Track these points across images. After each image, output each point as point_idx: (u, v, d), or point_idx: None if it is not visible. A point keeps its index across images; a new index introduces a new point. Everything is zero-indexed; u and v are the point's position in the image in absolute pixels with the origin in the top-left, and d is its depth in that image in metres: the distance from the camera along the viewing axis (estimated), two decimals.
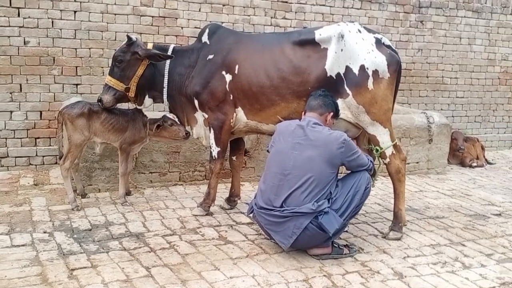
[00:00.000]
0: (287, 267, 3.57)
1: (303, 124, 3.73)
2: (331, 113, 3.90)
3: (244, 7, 6.60)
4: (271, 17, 6.76)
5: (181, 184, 5.59)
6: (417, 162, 6.63)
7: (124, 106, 5.02)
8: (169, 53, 4.49)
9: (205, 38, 4.50)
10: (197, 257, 3.66)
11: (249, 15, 6.64)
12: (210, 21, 6.40)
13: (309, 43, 4.18)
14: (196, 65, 4.48)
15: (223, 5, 6.50)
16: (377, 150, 4.21)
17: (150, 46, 4.53)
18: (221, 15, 6.49)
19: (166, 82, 4.53)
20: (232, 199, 4.87)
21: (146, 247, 3.83)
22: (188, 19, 6.35)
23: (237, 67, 4.31)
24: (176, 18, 6.30)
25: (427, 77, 7.82)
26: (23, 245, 3.77)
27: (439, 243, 4.20)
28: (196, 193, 5.37)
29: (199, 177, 5.65)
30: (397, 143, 4.28)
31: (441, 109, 8.01)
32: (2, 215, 4.39)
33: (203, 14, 6.41)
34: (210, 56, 4.41)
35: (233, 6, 6.55)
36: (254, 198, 3.87)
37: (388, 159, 4.22)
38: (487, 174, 7.06)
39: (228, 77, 4.34)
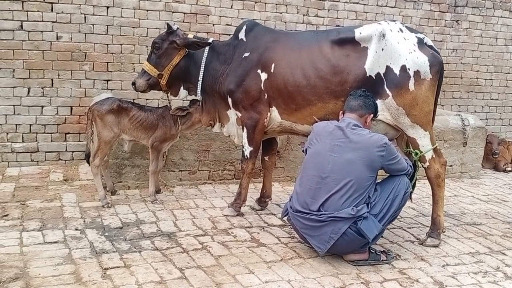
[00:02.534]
0: (323, 272, 3.47)
1: (343, 126, 3.62)
2: (371, 115, 3.78)
3: (276, 4, 6.48)
4: (303, 15, 6.63)
5: (210, 183, 5.52)
6: (451, 166, 6.44)
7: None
8: (207, 47, 4.43)
9: (242, 35, 4.41)
10: (230, 259, 3.58)
11: (281, 13, 6.53)
12: (242, 18, 6.30)
13: (348, 41, 4.06)
14: (231, 62, 4.40)
15: (255, 2, 6.40)
16: (416, 154, 4.07)
17: (190, 36, 4.49)
18: (253, 12, 6.39)
19: (202, 75, 4.47)
20: (263, 200, 4.78)
21: (179, 247, 3.76)
22: (220, 16, 6.27)
23: (273, 65, 4.21)
24: (208, 15, 6.22)
25: (461, 78, 7.61)
26: (55, 242, 3.75)
27: (478, 251, 4.06)
28: (225, 192, 5.29)
29: (229, 176, 5.58)
30: (437, 147, 4.13)
31: (475, 111, 7.79)
32: (33, 211, 4.38)
33: (234, 11, 6.32)
34: (246, 54, 4.32)
35: (265, 3, 6.44)
36: (290, 200, 3.77)
37: (427, 163, 4.08)
38: None
39: (264, 76, 4.25)
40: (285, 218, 3.91)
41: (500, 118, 8.11)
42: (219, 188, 5.41)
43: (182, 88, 4.64)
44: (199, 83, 4.51)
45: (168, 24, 4.47)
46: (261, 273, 3.39)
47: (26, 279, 3.14)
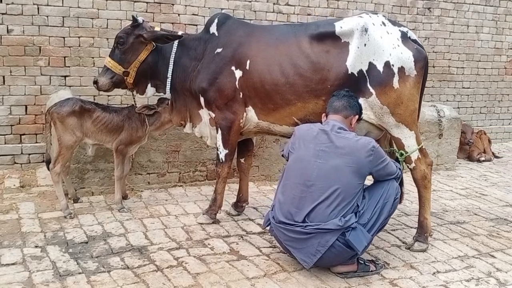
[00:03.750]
0: None
1: (327, 129, 3.35)
2: (356, 116, 3.53)
3: None
4: (274, 3, 6.31)
5: (181, 185, 5.19)
6: None
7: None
8: (176, 41, 4.07)
9: (213, 29, 4.07)
10: (209, 277, 3.28)
11: (250, 1, 6.19)
12: (209, 8, 5.98)
13: (328, 36, 3.78)
14: (202, 58, 4.07)
15: None
16: (401, 154, 3.85)
17: (157, 29, 4.14)
18: (220, 1, 6.02)
19: (171, 71, 4.12)
20: (239, 205, 4.49)
21: (152, 264, 3.44)
22: (186, 6, 5.87)
23: (248, 62, 3.90)
24: (173, 4, 5.81)
25: (434, 66, 7.45)
26: (13, 264, 3.37)
27: (466, 254, 3.89)
28: (197, 195, 4.98)
29: (200, 177, 5.26)
30: (423, 147, 3.93)
31: (447, 100, 7.69)
32: None
33: (201, 0, 5.93)
34: (219, 50, 3.99)
35: None
36: (272, 210, 3.49)
37: (413, 164, 3.87)
38: (496, 169, 6.79)
39: (238, 73, 3.93)
40: (267, 228, 3.63)
41: (471, 107, 8.04)
42: (190, 191, 5.09)
43: (149, 85, 4.28)
44: (168, 80, 4.16)
45: (133, 17, 4.09)
46: None
47: None
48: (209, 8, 5.96)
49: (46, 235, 3.86)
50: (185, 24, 5.89)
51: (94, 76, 5.44)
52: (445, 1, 7.38)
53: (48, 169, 4.32)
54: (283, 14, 6.39)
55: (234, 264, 3.49)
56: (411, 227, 4.37)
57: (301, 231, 3.23)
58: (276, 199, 3.47)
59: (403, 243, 4.03)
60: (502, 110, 8.31)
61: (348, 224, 3.18)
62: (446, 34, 7.50)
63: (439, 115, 6.30)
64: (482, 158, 7.10)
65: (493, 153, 7.38)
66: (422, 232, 3.93)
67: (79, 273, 3.27)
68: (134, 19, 4.07)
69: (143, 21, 4.13)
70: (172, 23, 5.80)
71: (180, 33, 4.17)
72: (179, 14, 5.87)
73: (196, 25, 5.94)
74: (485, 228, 4.48)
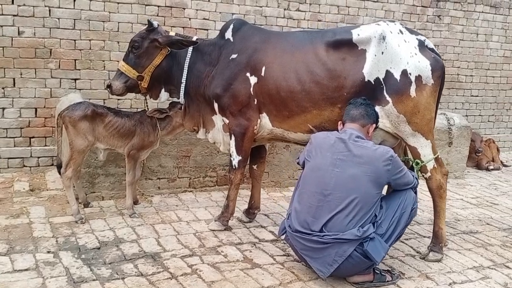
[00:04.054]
0: None
1: (345, 138, 3.32)
2: (374, 125, 3.50)
3: None
4: (284, 9, 6.29)
5: (191, 191, 5.16)
6: None
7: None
8: (191, 47, 4.05)
9: (228, 35, 4.04)
10: (225, 286, 3.24)
11: (261, 6, 6.17)
12: (220, 12, 5.97)
13: (345, 44, 3.75)
14: (217, 64, 4.04)
15: None
16: (417, 164, 3.82)
17: (172, 34, 4.11)
18: (231, 6, 6.00)
19: (185, 77, 4.09)
20: (251, 211, 4.46)
21: (166, 272, 3.40)
22: (197, 10, 5.85)
23: (263, 69, 3.87)
24: (184, 9, 5.80)
25: None
26: (26, 270, 3.32)
27: (481, 264, 3.86)
28: (208, 201, 4.94)
29: (210, 183, 5.23)
30: (439, 156, 3.89)
31: (455, 108, 7.67)
32: None
33: (212, 5, 5.91)
34: (234, 56, 3.96)
35: None
36: (288, 218, 3.45)
37: (429, 174, 3.83)
38: (506, 178, 6.76)
39: (253, 80, 3.91)
40: (282, 237, 3.60)
41: (479, 115, 8.01)
42: (201, 197, 5.05)
43: (163, 90, 4.25)
44: (182, 85, 4.13)
45: (148, 21, 4.06)
46: None
47: None
48: (220, 12, 5.94)
49: (58, 240, 3.82)
50: (196, 29, 5.87)
51: (104, 79, 5.50)
52: (455, 9, 7.37)
53: (59, 173, 4.29)
54: (294, 20, 6.37)
55: (248, 273, 3.46)
56: (424, 236, 4.34)
57: (318, 241, 3.20)
58: (292, 207, 3.44)
59: (417, 252, 4.00)
60: (510, 118, 8.29)
61: (366, 235, 3.15)
62: (455, 42, 7.49)
63: (449, 123, 6.27)
64: (491, 167, 7.07)
65: (501, 161, 7.35)
66: (437, 242, 3.89)
67: (93, 279, 3.24)
68: (150, 23, 4.05)
69: (158, 25, 4.11)
70: (183, 27, 5.77)
71: (194, 38, 4.15)
72: (190, 19, 5.85)
73: (207, 29, 5.92)
74: (499, 238, 4.45)
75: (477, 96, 7.91)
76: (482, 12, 7.58)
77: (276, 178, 5.50)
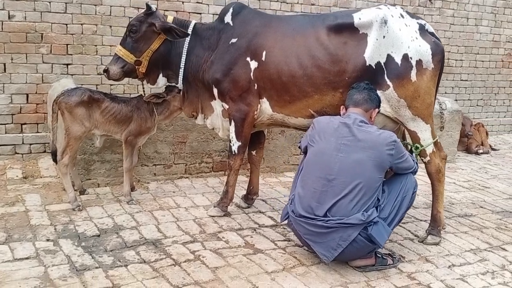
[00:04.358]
0: (331, 282, 3.21)
1: (349, 122, 3.32)
2: (376, 110, 3.51)
3: None
4: None
5: (187, 177, 5.13)
6: None
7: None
8: (190, 30, 3.99)
9: (228, 19, 4.00)
10: (229, 272, 3.25)
11: None
12: None
13: (346, 27, 3.74)
14: (216, 49, 3.99)
15: None
16: (417, 148, 3.85)
17: (170, 19, 4.05)
18: None
19: (184, 62, 4.04)
20: (250, 197, 4.45)
21: (169, 258, 3.39)
22: None
23: (264, 53, 3.84)
24: None
25: None
26: (27, 258, 3.28)
27: (478, 247, 3.92)
28: (204, 187, 4.92)
29: (206, 169, 5.20)
30: (438, 140, 3.92)
31: (445, 93, 7.72)
32: None
33: None
34: (233, 40, 3.92)
35: None
36: (290, 203, 3.45)
37: (428, 158, 3.87)
38: (495, 161, 6.85)
39: (254, 64, 3.88)
40: (284, 222, 3.60)
41: (468, 99, 8.09)
42: (197, 183, 5.03)
43: (161, 75, 4.19)
44: (181, 70, 4.08)
45: (147, 4, 3.98)
46: (266, 287, 3.09)
47: None
48: None
49: (56, 228, 3.78)
50: (189, 12, 5.80)
51: (97, 64, 5.42)
52: None
53: (54, 160, 4.23)
54: (287, 3, 6.32)
55: (251, 258, 3.46)
56: (421, 220, 4.40)
57: (323, 225, 3.21)
58: (295, 192, 3.43)
59: (415, 236, 4.05)
60: (498, 102, 8.39)
61: (370, 219, 3.17)
62: (446, 26, 7.52)
63: (441, 107, 6.31)
64: (480, 151, 7.15)
65: (490, 145, 7.44)
66: (435, 225, 3.94)
67: (96, 267, 3.21)
68: (148, 7, 3.97)
69: (157, 9, 4.04)
70: (176, 11, 5.69)
71: (193, 23, 4.09)
72: (183, 2, 5.77)
73: (200, 13, 5.85)
74: (493, 221, 4.52)
75: (466, 80, 7.98)
76: None
77: (272, 163, 5.49)
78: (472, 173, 6.17)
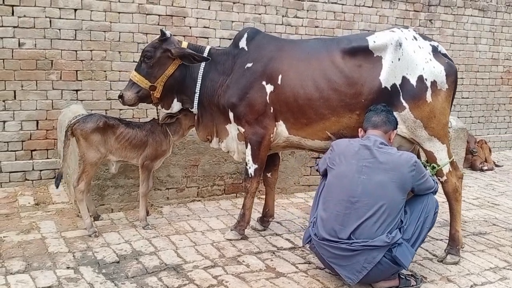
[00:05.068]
0: None
1: (369, 144, 3.35)
2: (395, 131, 3.54)
3: (255, 5, 6.13)
4: (283, 16, 6.33)
5: (199, 200, 5.12)
6: None
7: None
8: (205, 55, 4.03)
9: (242, 44, 4.04)
10: None
11: (260, 14, 6.19)
12: (220, 20, 5.97)
13: (361, 51, 3.79)
14: (231, 73, 4.03)
15: (233, 3, 6.01)
16: (433, 168, 3.87)
17: (184, 45, 4.09)
18: (231, 14, 6.01)
19: (199, 87, 4.07)
20: (265, 219, 4.45)
21: (192, 284, 3.37)
22: (197, 18, 5.84)
23: (280, 77, 3.88)
24: (184, 17, 5.77)
25: None
26: (49, 287, 3.25)
27: (497, 265, 3.93)
28: (218, 210, 4.92)
29: (218, 191, 5.20)
30: (454, 160, 3.96)
31: None
32: (12, 247, 3.83)
33: (212, 13, 5.91)
34: (249, 64, 3.96)
35: (244, 4, 6.07)
36: (312, 226, 3.45)
37: (445, 177, 3.90)
38: (500, 178, 6.90)
39: (269, 88, 3.91)
40: (307, 245, 3.60)
41: (470, 116, 8.18)
42: (210, 206, 5.02)
43: (175, 100, 4.22)
44: (196, 95, 4.11)
45: (161, 31, 4.03)
46: None
47: None
48: (220, 20, 5.95)
49: (75, 255, 3.75)
50: (196, 37, 5.85)
51: (106, 90, 5.46)
52: (446, 13, 7.52)
53: (56, 185, 4.20)
54: (292, 26, 6.41)
55: (274, 282, 3.45)
56: (437, 239, 4.40)
57: (347, 248, 3.22)
58: (316, 215, 3.44)
59: (434, 255, 4.05)
60: (499, 119, 8.48)
61: (394, 240, 3.18)
62: (447, 45, 7.61)
63: None
64: (485, 167, 7.21)
65: (494, 162, 7.50)
66: (454, 244, 3.95)
67: None
68: (162, 33, 4.01)
69: (171, 35, 4.08)
70: (184, 36, 5.74)
71: (208, 49, 4.13)
72: (190, 27, 5.83)
73: (207, 37, 5.91)
74: (507, 238, 4.53)
75: (467, 98, 8.07)
76: (471, 15, 7.75)
77: (282, 184, 5.50)
78: (479, 190, 6.21)
